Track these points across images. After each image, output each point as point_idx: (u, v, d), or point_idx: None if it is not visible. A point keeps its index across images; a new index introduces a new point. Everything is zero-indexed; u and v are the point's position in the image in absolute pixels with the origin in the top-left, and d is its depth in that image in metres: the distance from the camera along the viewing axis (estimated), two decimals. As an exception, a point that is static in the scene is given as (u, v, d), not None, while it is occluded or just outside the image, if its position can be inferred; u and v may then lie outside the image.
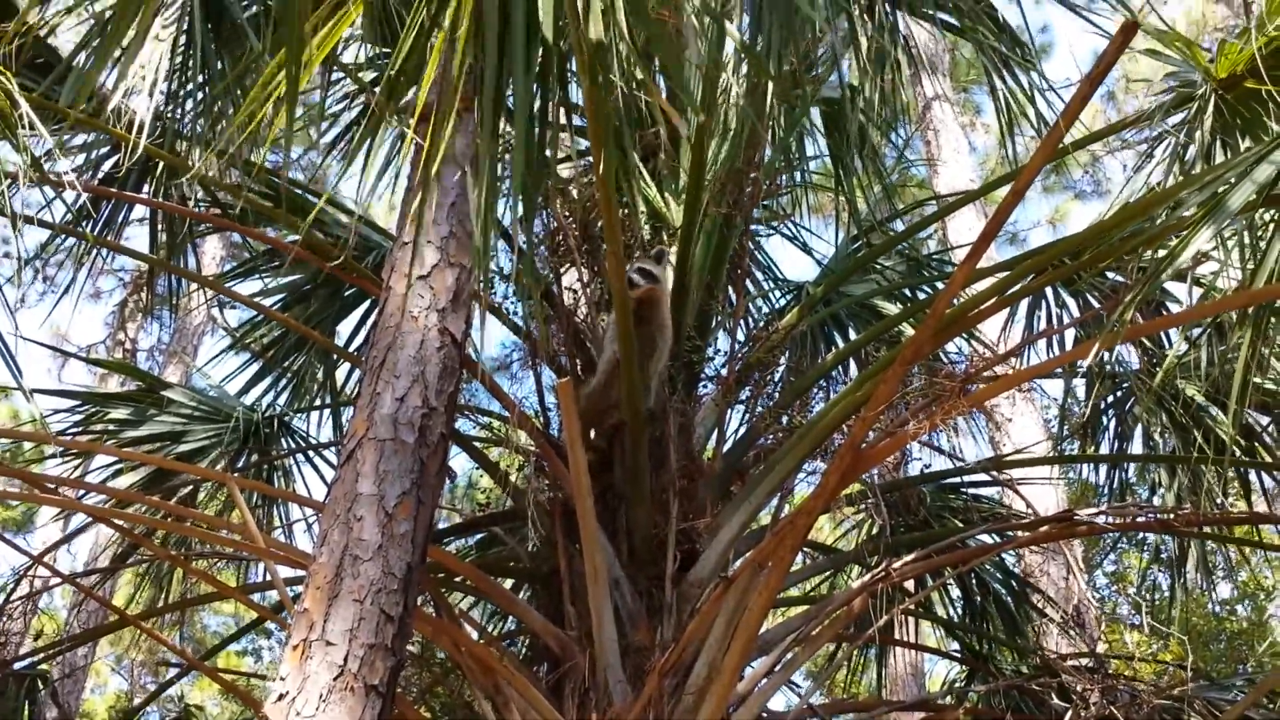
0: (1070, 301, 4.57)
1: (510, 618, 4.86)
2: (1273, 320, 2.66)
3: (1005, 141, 4.65)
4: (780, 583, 2.93)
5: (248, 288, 6.49)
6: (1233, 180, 2.52)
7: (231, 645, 15.46)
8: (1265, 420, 4.40)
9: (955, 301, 3.58)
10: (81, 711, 12.24)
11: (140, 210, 4.61)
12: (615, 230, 2.47)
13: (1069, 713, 3.59)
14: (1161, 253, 2.59)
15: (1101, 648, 9.19)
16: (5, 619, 4.00)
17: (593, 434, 3.70)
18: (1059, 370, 4.25)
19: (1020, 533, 4.14)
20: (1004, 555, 5.29)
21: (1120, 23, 2.15)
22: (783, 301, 5.45)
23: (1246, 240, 2.71)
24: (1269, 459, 4.21)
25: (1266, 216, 2.67)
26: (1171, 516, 3.70)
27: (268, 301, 4.99)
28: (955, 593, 5.27)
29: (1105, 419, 4.74)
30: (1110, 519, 3.59)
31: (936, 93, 11.30)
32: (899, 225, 5.80)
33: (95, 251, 4.43)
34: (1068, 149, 3.12)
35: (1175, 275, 2.47)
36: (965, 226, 9.89)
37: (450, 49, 2.15)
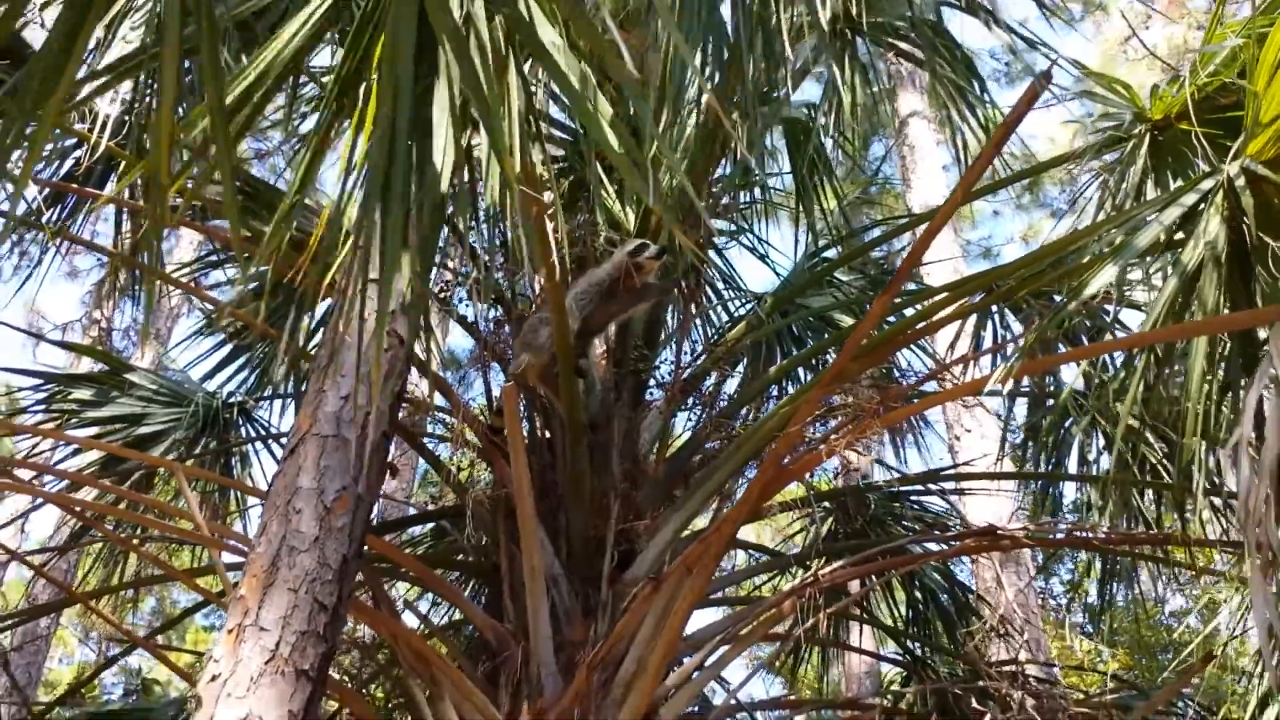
0: (1014, 322, 4.71)
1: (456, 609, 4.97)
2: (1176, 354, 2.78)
3: (960, 166, 4.81)
4: (705, 585, 3.05)
5: (221, 274, 6.57)
6: (1149, 219, 2.64)
7: (200, 620, 15.58)
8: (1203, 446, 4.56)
9: (888, 324, 3.72)
10: (45, 680, 12.28)
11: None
12: (547, 242, 2.57)
13: (987, 716, 3.70)
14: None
15: (1053, 654, 9.43)
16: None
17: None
18: (999, 388, 4.37)
19: (948, 544, 4.26)
20: (949, 564, 5.47)
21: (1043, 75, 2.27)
22: (742, 311, 5.57)
23: (1161, 278, 2.84)
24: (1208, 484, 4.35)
25: (1168, 258, 2.80)
26: (1089, 535, 3.84)
27: (241, 289, 5.08)
28: (901, 598, 5.42)
29: (1045, 437, 4.88)
30: (1032, 534, 3.72)
31: (913, 109, 11.45)
32: (869, 235, 5.96)
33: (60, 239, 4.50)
34: (977, 194, 3.22)
35: (1080, 310, 2.60)
36: (933, 242, 10.03)
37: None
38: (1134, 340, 2.73)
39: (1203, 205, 2.56)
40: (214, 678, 2.48)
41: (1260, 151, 2.56)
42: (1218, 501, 3.57)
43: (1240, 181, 2.51)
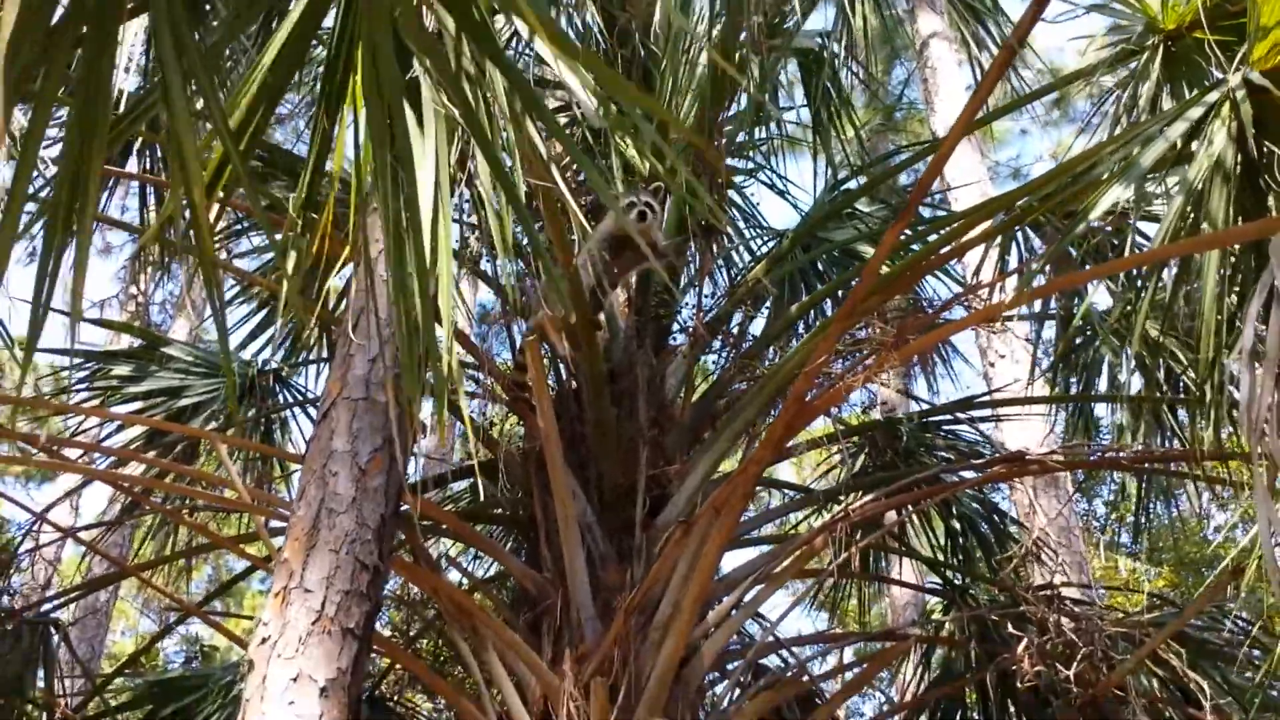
0: (1038, 243, 4.66)
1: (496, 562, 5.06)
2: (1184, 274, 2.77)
3: (975, 84, 4.76)
4: (734, 526, 3.10)
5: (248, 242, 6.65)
6: (1155, 133, 2.62)
7: (255, 585, 15.91)
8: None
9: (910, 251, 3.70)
10: (109, 654, 12.64)
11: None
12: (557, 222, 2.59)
13: (1023, 640, 3.74)
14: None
15: (1096, 575, 9.43)
16: (15, 571, 4.22)
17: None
18: (1021, 311, 4.36)
19: (979, 472, 4.28)
20: (986, 491, 5.48)
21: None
22: (764, 249, 5.55)
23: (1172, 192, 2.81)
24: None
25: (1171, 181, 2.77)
26: (1119, 455, 3.84)
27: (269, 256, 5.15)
28: (940, 528, 5.44)
29: (1074, 357, 4.85)
30: (1062, 458, 3.73)
31: (933, 30, 11.26)
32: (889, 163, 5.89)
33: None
34: (992, 116, 3.19)
35: (1094, 231, 2.59)
36: (958, 165, 9.91)
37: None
38: (1143, 258, 2.72)
39: (1208, 118, 2.53)
40: (264, 640, 2.56)
41: (1263, 59, 2.52)
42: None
43: (1241, 93, 2.48)
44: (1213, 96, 2.62)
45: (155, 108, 2.24)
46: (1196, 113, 2.60)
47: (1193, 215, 2.51)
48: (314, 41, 2.39)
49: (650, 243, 3.52)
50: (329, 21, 2.32)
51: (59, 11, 1.79)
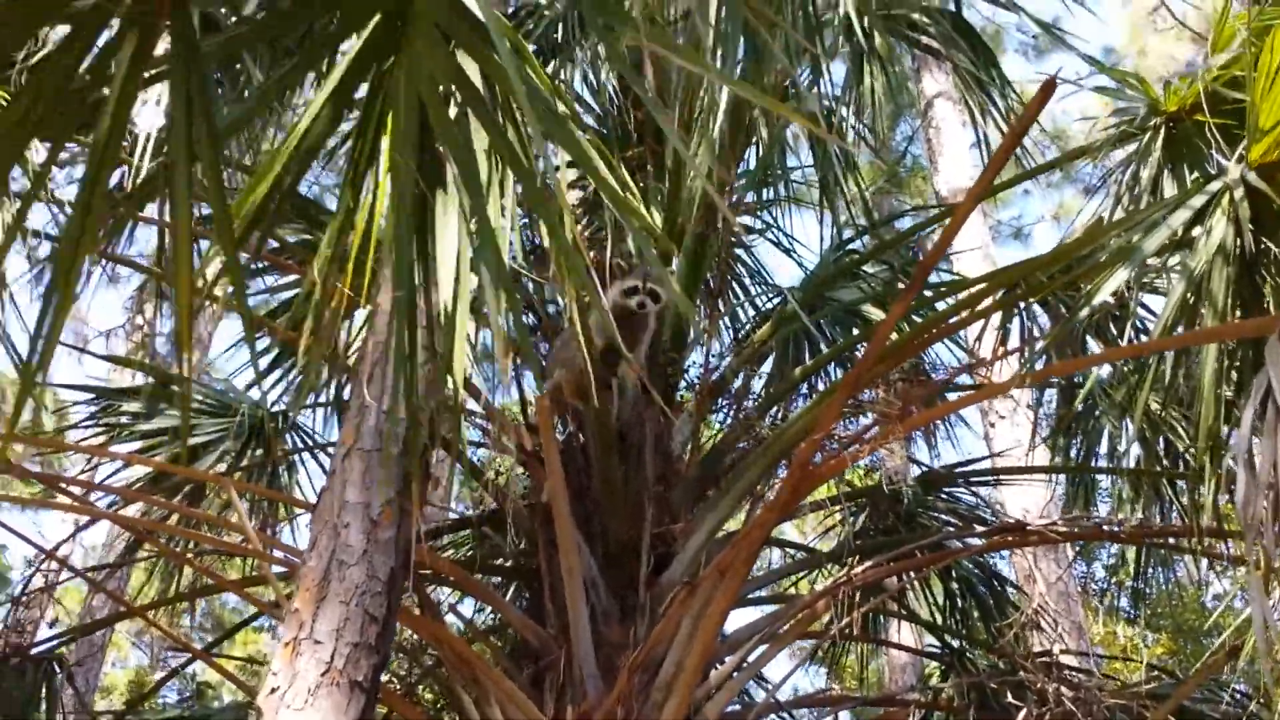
0: (1040, 314, 4.73)
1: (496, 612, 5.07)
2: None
3: (984, 155, 4.87)
4: (738, 588, 3.14)
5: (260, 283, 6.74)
6: (1159, 220, 2.70)
7: (249, 623, 15.85)
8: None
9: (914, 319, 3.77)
10: (101, 686, 12.57)
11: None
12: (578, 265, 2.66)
13: (1023, 711, 3.76)
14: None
15: (1095, 640, 9.42)
16: (21, 609, 4.24)
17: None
18: (1024, 387, 4.41)
19: (980, 540, 4.32)
20: (988, 556, 5.51)
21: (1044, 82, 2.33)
22: (769, 305, 5.62)
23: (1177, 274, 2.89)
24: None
25: (1173, 261, 2.85)
26: (1119, 529, 3.89)
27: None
28: (938, 589, 5.46)
29: (1075, 428, 4.91)
30: (1063, 529, 3.77)
31: (938, 90, 11.43)
32: (896, 223, 5.97)
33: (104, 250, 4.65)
34: (997, 189, 3.28)
35: (1094, 318, 2.66)
36: (954, 238, 10.00)
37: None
38: (1143, 348, 2.79)
39: (1210, 208, 2.61)
40: (273, 690, 2.59)
41: (1262, 157, 2.60)
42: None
43: (1239, 192, 2.56)
44: (1214, 186, 2.70)
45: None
46: (1198, 201, 2.68)
47: (1192, 301, 2.58)
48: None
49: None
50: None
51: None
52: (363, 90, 2.32)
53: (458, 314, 2.05)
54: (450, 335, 2.13)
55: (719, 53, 3.68)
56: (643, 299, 3.56)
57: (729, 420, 4.44)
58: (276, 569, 3.82)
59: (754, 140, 4.46)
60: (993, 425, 9.05)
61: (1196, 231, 2.65)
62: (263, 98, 2.29)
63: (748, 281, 5.74)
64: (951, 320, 3.24)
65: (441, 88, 2.00)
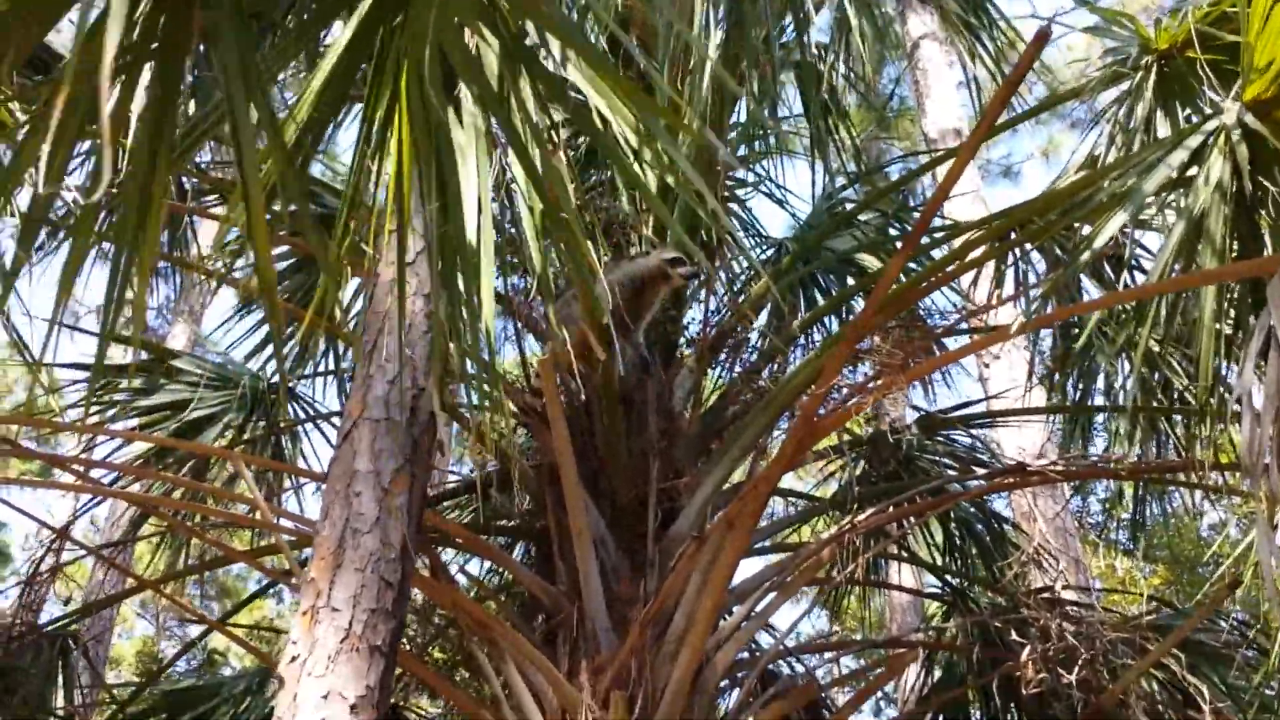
0: (1036, 257, 4.74)
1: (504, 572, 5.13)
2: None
3: (973, 98, 4.87)
4: (746, 540, 3.18)
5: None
6: (1156, 161, 2.70)
7: (254, 589, 15.98)
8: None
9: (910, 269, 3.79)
10: (110, 658, 12.69)
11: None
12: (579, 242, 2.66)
13: (1026, 647, 3.83)
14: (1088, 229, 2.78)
15: (1094, 573, 9.54)
16: (35, 587, 4.28)
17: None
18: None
19: (980, 482, 4.36)
20: (987, 497, 5.57)
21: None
22: (764, 258, 5.63)
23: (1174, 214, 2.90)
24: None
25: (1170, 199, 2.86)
26: (1118, 465, 3.94)
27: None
28: (938, 531, 5.53)
29: (1071, 367, 4.93)
30: (1062, 468, 3.82)
31: (924, 31, 11.36)
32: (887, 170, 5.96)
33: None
34: (988, 134, 3.27)
35: (1092, 261, 2.68)
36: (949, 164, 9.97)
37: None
38: (1141, 292, 2.81)
39: (1207, 148, 2.62)
40: (294, 659, 2.63)
41: (1258, 96, 2.61)
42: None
43: (1236, 134, 2.56)
44: (1210, 125, 2.70)
45: (215, 129, 2.32)
46: (1194, 141, 2.69)
47: (1190, 242, 2.59)
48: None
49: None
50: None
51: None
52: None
53: (482, 257, 2.05)
54: (475, 276, 2.13)
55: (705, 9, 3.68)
56: (693, 270, 3.61)
57: (729, 374, 4.47)
58: (286, 538, 3.86)
59: (744, 91, 4.44)
60: (987, 366, 9.09)
61: (1193, 171, 2.66)
62: (286, 50, 2.27)
63: (741, 235, 5.75)
64: (950, 268, 3.25)
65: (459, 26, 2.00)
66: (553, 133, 2.46)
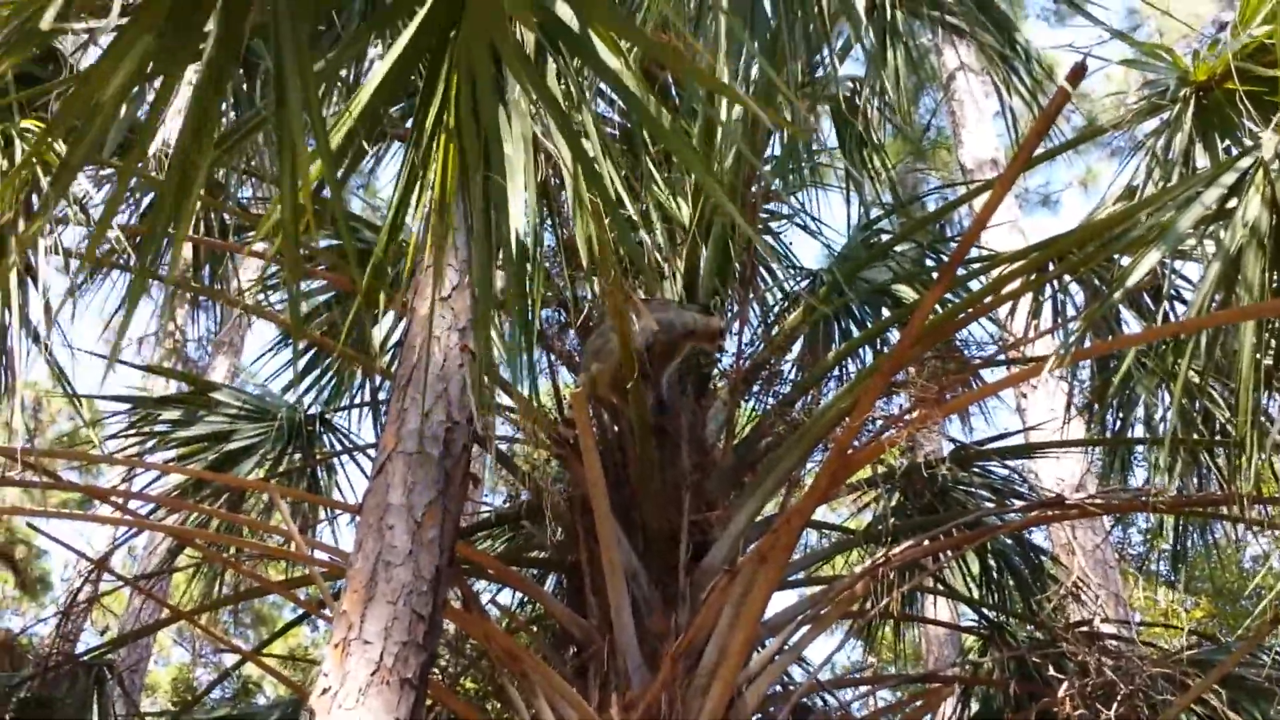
0: (1074, 288, 4.70)
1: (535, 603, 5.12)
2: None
3: (1009, 131, 4.86)
4: (779, 574, 3.16)
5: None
6: (1191, 196, 2.68)
7: (289, 616, 16.07)
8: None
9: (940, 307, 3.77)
10: (146, 685, 12.79)
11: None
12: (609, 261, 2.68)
13: (1064, 682, 3.77)
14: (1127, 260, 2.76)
15: (1134, 605, 9.38)
16: (72, 618, 4.33)
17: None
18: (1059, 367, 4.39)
19: (1018, 515, 4.32)
20: (1023, 530, 5.50)
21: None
22: (798, 289, 5.61)
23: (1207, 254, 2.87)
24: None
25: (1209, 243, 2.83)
26: (1157, 499, 3.88)
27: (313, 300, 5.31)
28: (976, 566, 5.46)
29: (1111, 399, 4.87)
30: (1101, 501, 3.77)
31: (959, 63, 11.35)
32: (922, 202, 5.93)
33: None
34: (1026, 166, 3.26)
35: (1129, 295, 2.65)
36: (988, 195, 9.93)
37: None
38: (1179, 328, 2.77)
39: (1244, 183, 2.59)
40: (325, 690, 2.64)
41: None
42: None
43: (1275, 166, 2.54)
44: (1246, 162, 2.68)
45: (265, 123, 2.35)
46: (1230, 178, 2.66)
47: (1228, 279, 2.56)
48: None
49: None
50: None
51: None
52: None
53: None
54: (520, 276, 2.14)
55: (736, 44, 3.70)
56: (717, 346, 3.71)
57: (762, 406, 4.45)
58: (319, 570, 3.88)
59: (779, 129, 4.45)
60: (1025, 396, 9.01)
61: (1232, 204, 2.63)
62: (344, 50, 2.31)
63: (775, 266, 5.74)
64: (987, 300, 3.24)
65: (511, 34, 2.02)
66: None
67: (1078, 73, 2.24)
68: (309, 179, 2.07)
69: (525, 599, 5.22)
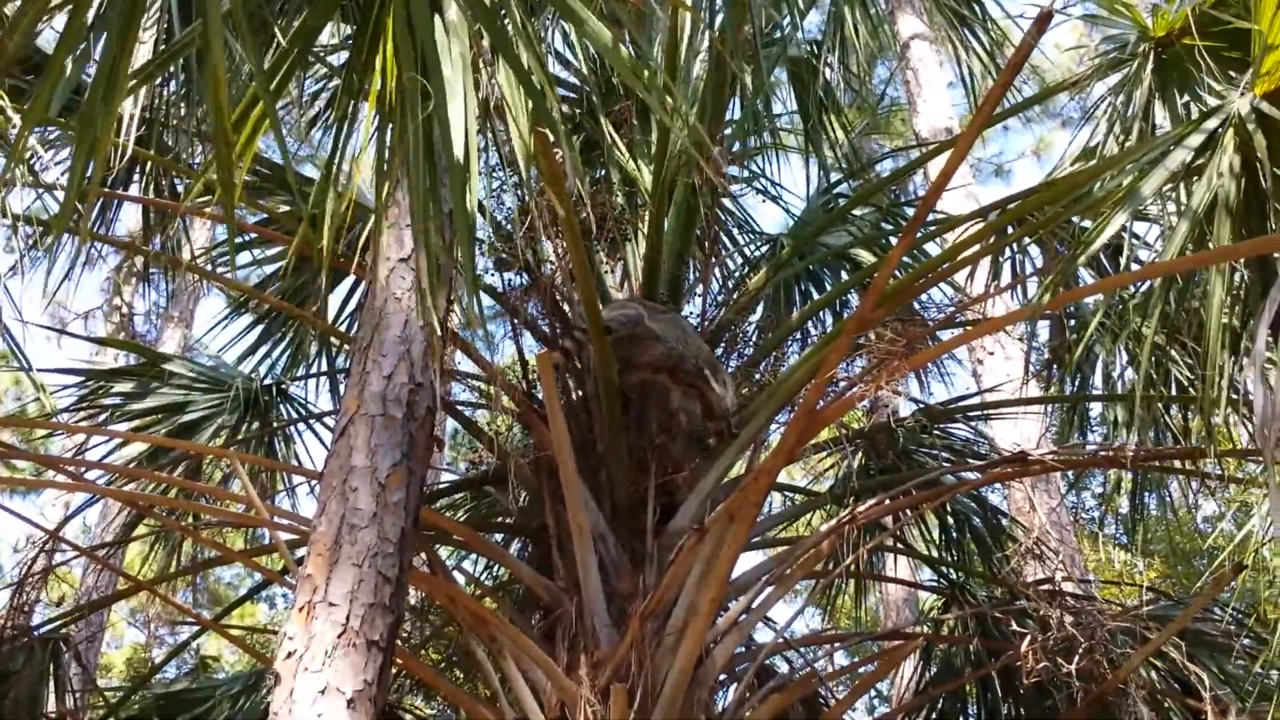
0: (1033, 249, 4.73)
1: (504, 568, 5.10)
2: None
3: (968, 93, 4.88)
4: (747, 533, 3.16)
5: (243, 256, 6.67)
6: (1156, 157, 2.69)
7: (257, 594, 15.89)
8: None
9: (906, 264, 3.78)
10: (100, 665, 12.62)
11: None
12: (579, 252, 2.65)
13: (1025, 637, 3.81)
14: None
15: (1089, 568, 9.54)
16: (26, 591, 4.25)
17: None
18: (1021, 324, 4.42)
19: (979, 473, 4.36)
20: (984, 489, 5.56)
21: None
22: (759, 254, 5.61)
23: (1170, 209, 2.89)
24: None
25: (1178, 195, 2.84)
26: (1119, 454, 3.93)
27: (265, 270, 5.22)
28: (934, 524, 5.51)
29: (1069, 357, 4.92)
30: (1061, 457, 3.81)
31: (914, 31, 11.37)
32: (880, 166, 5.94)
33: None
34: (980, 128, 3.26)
35: (1090, 257, 2.66)
36: (941, 163, 9.98)
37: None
38: (1149, 271, 2.78)
39: (1217, 138, 2.60)
40: (290, 654, 2.60)
41: (1273, 90, 2.58)
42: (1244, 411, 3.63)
43: (1252, 124, 2.54)
44: (1213, 123, 2.68)
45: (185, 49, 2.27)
46: (1196, 139, 2.67)
47: (1196, 237, 2.57)
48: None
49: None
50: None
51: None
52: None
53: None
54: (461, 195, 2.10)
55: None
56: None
57: (727, 368, 4.44)
58: (282, 535, 3.82)
59: (737, 88, 4.43)
60: (980, 362, 9.10)
61: (1200, 161, 2.64)
62: None
63: (735, 231, 5.74)
64: (946, 265, 3.24)
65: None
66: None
67: (1044, 18, 2.23)
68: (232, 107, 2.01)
69: (491, 564, 5.20)
